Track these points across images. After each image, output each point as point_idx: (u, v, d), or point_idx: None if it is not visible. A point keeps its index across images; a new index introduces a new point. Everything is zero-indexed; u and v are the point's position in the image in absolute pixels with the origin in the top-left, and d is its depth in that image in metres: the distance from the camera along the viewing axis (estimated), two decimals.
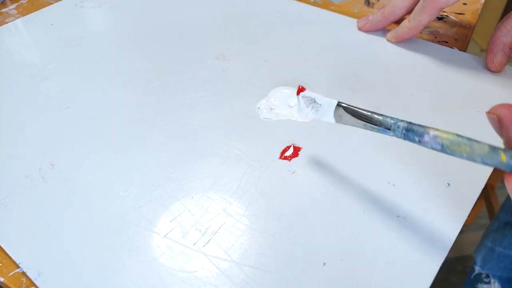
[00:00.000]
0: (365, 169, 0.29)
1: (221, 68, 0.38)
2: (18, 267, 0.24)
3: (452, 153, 0.21)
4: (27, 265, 0.24)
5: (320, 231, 0.25)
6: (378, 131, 0.24)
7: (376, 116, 0.24)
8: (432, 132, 0.21)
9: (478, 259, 0.53)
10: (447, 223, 0.25)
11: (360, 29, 0.42)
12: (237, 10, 0.47)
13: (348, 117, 0.26)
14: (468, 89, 0.35)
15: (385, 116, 0.24)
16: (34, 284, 0.24)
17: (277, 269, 0.24)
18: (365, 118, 0.25)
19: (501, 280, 0.50)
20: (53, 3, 0.50)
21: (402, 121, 0.23)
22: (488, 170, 0.28)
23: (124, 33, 0.44)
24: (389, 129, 0.23)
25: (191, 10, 0.47)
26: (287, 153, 0.30)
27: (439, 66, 0.37)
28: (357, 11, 0.46)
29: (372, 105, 0.33)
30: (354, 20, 0.43)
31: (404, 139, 0.23)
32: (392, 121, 0.23)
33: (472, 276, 0.55)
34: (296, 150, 0.30)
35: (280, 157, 0.30)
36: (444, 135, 0.21)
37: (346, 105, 0.26)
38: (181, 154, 0.30)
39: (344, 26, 0.43)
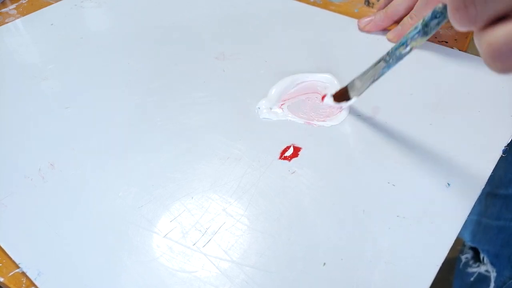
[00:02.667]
0: (365, 169, 0.29)
1: (221, 68, 0.38)
2: (18, 267, 0.24)
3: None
4: (27, 265, 0.24)
5: (320, 231, 0.25)
6: (383, 73, 0.29)
7: (372, 65, 0.29)
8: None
9: (466, 235, 0.53)
10: (447, 223, 0.25)
11: (361, 29, 0.42)
12: (237, 10, 0.47)
13: (360, 84, 0.31)
14: (468, 89, 0.35)
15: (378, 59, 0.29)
16: (34, 284, 0.24)
17: (277, 269, 0.24)
18: (369, 71, 0.30)
19: (489, 255, 0.50)
20: (53, 3, 0.50)
21: (388, 52, 0.28)
22: (488, 171, 0.28)
23: (124, 33, 0.44)
24: (386, 61, 0.28)
25: (191, 10, 0.47)
26: (287, 153, 0.30)
27: (439, 66, 0.37)
28: (357, 11, 0.46)
29: (372, 105, 0.33)
30: (354, 20, 0.43)
31: (398, 60, 0.28)
32: (384, 55, 0.28)
33: (460, 266, 0.55)
34: (296, 150, 0.30)
35: (280, 157, 0.30)
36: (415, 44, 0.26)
37: (352, 81, 0.31)
38: (181, 154, 0.30)
39: (344, 26, 0.43)
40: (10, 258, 0.25)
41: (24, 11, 0.48)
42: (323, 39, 0.41)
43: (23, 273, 0.24)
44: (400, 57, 0.27)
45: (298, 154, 0.30)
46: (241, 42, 0.41)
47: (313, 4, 0.47)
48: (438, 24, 0.24)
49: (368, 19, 0.42)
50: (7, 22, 0.46)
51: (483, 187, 0.27)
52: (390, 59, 0.28)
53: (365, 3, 0.47)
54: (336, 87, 0.34)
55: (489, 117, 0.32)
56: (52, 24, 0.46)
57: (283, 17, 0.45)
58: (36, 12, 0.48)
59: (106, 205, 0.27)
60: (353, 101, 0.32)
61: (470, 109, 0.33)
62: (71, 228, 0.26)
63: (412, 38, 0.26)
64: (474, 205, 0.26)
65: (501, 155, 0.29)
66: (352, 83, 0.32)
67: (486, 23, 0.16)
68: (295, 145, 0.31)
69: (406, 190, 0.27)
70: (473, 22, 0.16)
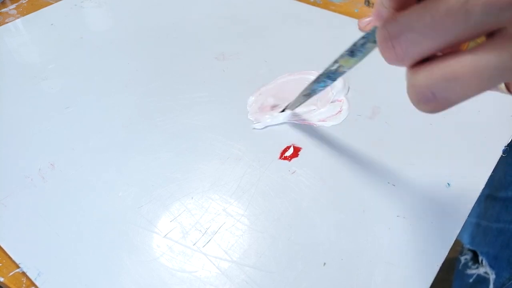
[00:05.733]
0: (365, 169, 0.29)
1: (221, 68, 0.38)
2: (18, 267, 0.24)
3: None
4: (27, 265, 0.24)
5: (320, 231, 0.25)
6: (314, 88, 0.29)
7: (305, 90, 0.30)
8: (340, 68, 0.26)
9: (465, 238, 0.53)
10: (447, 223, 0.25)
11: (362, 29, 0.42)
12: (237, 10, 0.47)
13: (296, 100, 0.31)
14: None
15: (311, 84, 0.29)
16: (34, 284, 0.24)
17: (277, 269, 0.24)
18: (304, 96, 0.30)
19: (488, 257, 0.50)
20: (53, 3, 0.50)
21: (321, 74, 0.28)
22: (488, 170, 0.28)
23: (124, 33, 0.44)
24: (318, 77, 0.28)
25: (191, 10, 0.47)
26: (287, 153, 0.30)
27: None
28: (357, 11, 0.46)
29: (372, 105, 0.33)
30: (354, 20, 0.43)
31: (327, 77, 0.28)
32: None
33: (460, 267, 0.56)
34: (296, 150, 0.30)
35: (280, 157, 0.30)
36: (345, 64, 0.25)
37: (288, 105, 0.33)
38: (181, 154, 0.30)
39: (344, 26, 0.43)
40: (10, 258, 0.25)
41: (24, 11, 0.48)
42: (323, 39, 0.41)
43: (23, 273, 0.24)
44: (328, 74, 0.27)
45: (298, 154, 0.30)
46: (241, 42, 0.41)
47: (313, 4, 0.47)
48: (362, 45, 0.22)
49: (368, 19, 0.42)
50: (7, 22, 0.46)
51: (483, 186, 0.27)
52: (321, 75, 0.28)
53: (365, 3, 0.47)
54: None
55: (489, 117, 0.32)
56: (52, 24, 0.46)
57: (283, 17, 0.45)
58: (36, 12, 0.48)
59: (106, 205, 0.27)
60: (287, 113, 0.33)
61: (470, 109, 0.33)
62: (71, 228, 0.26)
63: (342, 55, 0.25)
64: (473, 208, 0.26)
65: (501, 155, 0.29)
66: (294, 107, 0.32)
67: (414, 62, 0.16)
68: (295, 145, 0.31)
69: (406, 190, 0.27)
70: (401, 61, 0.16)
